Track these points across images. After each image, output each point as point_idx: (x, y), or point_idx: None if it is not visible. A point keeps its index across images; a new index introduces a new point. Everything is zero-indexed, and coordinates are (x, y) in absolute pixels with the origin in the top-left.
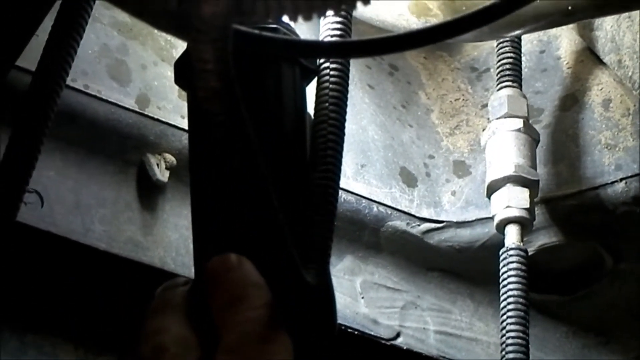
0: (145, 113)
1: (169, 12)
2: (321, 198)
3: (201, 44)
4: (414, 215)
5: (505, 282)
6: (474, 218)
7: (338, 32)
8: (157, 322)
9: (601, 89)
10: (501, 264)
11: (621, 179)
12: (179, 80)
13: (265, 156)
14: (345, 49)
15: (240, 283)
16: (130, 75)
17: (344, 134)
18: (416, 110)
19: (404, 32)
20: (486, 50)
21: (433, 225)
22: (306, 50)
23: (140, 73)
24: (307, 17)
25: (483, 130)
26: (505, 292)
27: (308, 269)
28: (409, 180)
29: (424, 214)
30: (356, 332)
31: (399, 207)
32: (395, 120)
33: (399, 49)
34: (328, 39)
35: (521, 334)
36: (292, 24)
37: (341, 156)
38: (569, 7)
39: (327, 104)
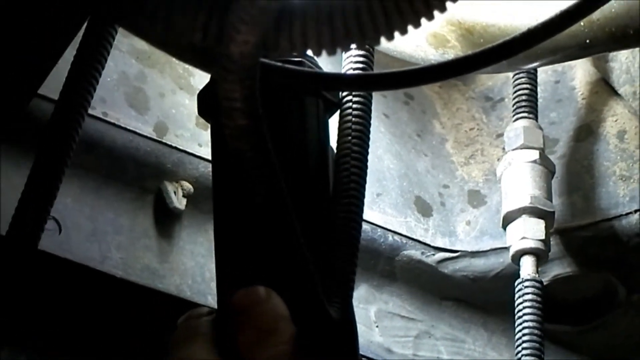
0: (163, 141)
1: (194, 46)
2: (344, 232)
3: (229, 83)
4: (428, 245)
5: (520, 314)
6: (488, 248)
7: (361, 65)
8: (185, 350)
9: (616, 120)
10: (516, 295)
11: (635, 211)
12: (203, 112)
13: (289, 190)
14: (368, 82)
15: (269, 317)
16: (149, 103)
17: (366, 167)
18: (431, 139)
19: (425, 66)
20: (501, 79)
21: (447, 254)
22: (330, 83)
23: (158, 101)
24: (332, 52)
25: (498, 159)
26: (521, 324)
27: (331, 303)
28: (424, 209)
29: (439, 243)
30: None
31: (413, 237)
32: (410, 149)
33: (421, 82)
34: (351, 71)
35: None
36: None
37: (364, 190)
38: (587, 41)
39: (350, 137)
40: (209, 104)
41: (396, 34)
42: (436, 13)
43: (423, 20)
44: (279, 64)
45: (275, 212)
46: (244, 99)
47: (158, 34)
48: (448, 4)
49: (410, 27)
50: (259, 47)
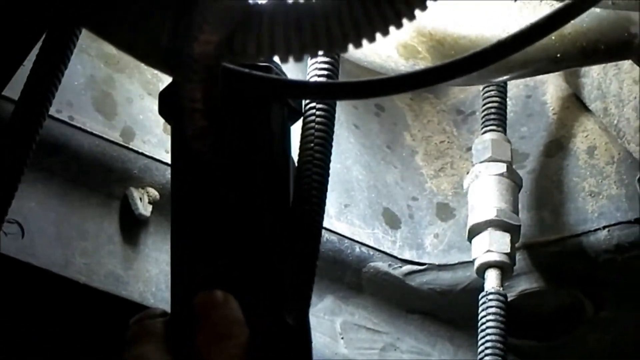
0: (130, 146)
1: (160, 48)
2: (303, 239)
3: (191, 83)
4: (396, 257)
5: (483, 327)
6: (456, 261)
7: (326, 73)
8: (138, 350)
9: (586, 136)
10: (480, 309)
11: (604, 227)
12: (163, 111)
13: (251, 195)
14: (333, 91)
15: (226, 320)
16: (116, 108)
17: (328, 175)
18: (401, 151)
19: (391, 76)
20: (472, 93)
21: (415, 267)
22: (295, 91)
23: (126, 106)
24: (299, 58)
25: (467, 173)
26: (484, 337)
27: (288, 310)
28: (392, 221)
29: (406, 255)
30: None
31: (381, 248)
32: (380, 160)
33: (386, 92)
34: (315, 79)
35: None
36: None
37: (325, 197)
38: (558, 55)
39: (312, 144)
40: (170, 105)
41: (364, 41)
42: (405, 21)
43: (392, 29)
44: (246, 70)
45: (234, 216)
46: (205, 100)
47: (124, 37)
48: (417, 13)
49: (378, 35)
50: (223, 49)
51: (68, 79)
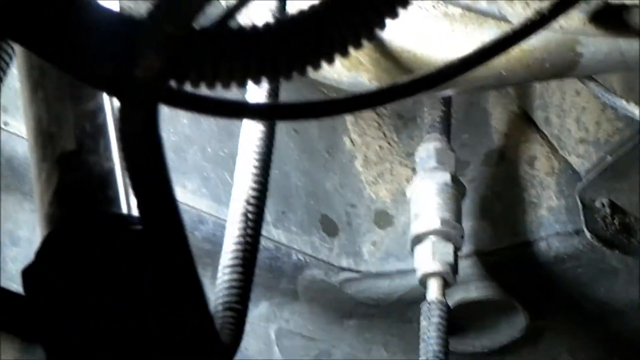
0: None
1: (102, 71)
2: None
3: (132, 108)
4: (333, 265)
5: (425, 337)
6: (393, 269)
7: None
8: None
9: (527, 146)
10: (422, 318)
11: (543, 238)
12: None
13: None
14: (275, 112)
15: None
16: None
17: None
18: (341, 156)
19: (332, 99)
20: (413, 98)
21: (352, 275)
22: (236, 111)
23: None
24: (242, 85)
25: (407, 180)
26: (425, 347)
27: (222, 327)
28: (330, 228)
29: (343, 263)
30: None
31: (318, 256)
32: (319, 166)
33: (333, 113)
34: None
35: None
36: None
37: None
38: (503, 72)
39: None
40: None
41: (309, 69)
42: (350, 49)
43: (336, 56)
44: (187, 91)
45: (166, 237)
46: (144, 125)
47: (63, 59)
48: (364, 42)
49: (323, 63)
50: (164, 74)
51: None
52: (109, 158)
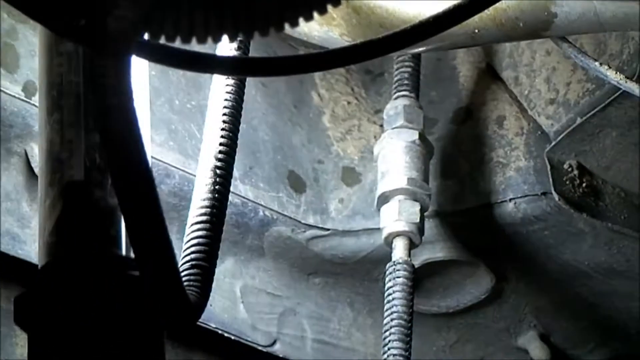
0: (31, 102)
1: (74, 21)
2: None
3: (104, 58)
4: (299, 222)
5: (390, 297)
6: (360, 228)
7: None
8: None
9: (496, 105)
10: (387, 278)
11: (510, 199)
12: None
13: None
14: (249, 67)
15: None
16: (19, 61)
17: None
18: (308, 111)
19: (305, 54)
20: None
21: (318, 232)
22: (210, 65)
23: (30, 60)
24: (217, 40)
25: (375, 137)
26: (390, 308)
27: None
28: (297, 185)
29: (310, 220)
30: (233, 338)
31: (285, 212)
32: (286, 121)
33: (300, 70)
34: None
35: (403, 352)
36: None
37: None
38: (476, 30)
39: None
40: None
41: (286, 25)
42: (315, 14)
43: (300, 21)
44: (160, 43)
45: (139, 195)
46: (116, 76)
47: (35, 7)
48: (328, 7)
49: (286, 25)
50: (137, 26)
51: None
52: (115, 195)
